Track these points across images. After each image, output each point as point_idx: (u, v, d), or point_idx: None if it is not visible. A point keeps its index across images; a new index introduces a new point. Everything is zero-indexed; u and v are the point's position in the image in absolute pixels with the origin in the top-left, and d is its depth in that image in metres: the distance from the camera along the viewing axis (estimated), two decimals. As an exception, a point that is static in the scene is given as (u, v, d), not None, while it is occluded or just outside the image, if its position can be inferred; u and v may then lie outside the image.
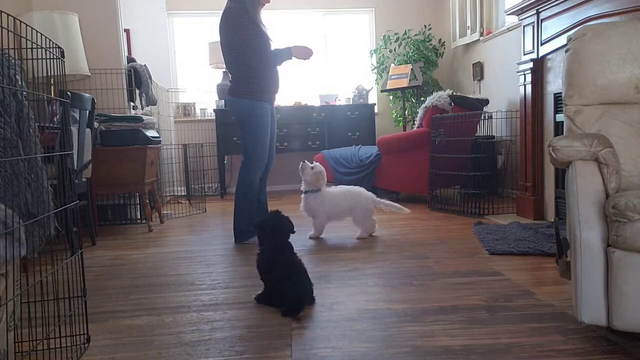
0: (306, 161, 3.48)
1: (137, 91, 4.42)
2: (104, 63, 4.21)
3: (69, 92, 2.70)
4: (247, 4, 3.23)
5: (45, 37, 1.66)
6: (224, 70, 5.86)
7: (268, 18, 6.33)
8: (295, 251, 2.23)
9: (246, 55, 3.20)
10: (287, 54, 3.29)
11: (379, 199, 3.43)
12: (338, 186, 3.54)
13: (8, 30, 1.45)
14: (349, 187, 3.49)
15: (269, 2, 3.33)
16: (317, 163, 3.50)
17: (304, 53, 3.31)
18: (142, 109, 4.57)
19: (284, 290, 2.06)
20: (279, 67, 3.39)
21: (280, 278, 2.10)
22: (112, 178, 3.82)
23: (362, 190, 3.44)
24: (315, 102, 6.24)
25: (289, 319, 1.97)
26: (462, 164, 4.25)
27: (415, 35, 6.28)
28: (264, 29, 3.32)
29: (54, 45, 1.73)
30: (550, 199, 3.73)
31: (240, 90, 3.28)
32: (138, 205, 4.32)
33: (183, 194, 5.66)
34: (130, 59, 4.56)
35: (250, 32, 3.19)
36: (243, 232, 3.33)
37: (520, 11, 3.80)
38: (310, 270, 2.27)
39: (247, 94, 3.26)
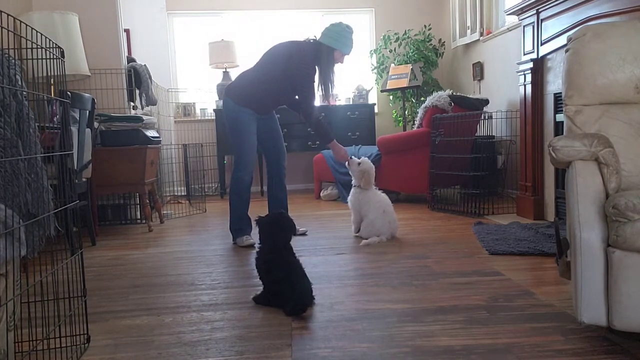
0: (353, 157, 3.44)
1: (137, 91, 4.42)
2: (104, 63, 4.21)
3: (69, 92, 2.70)
4: (322, 58, 3.31)
5: (45, 37, 1.66)
6: (224, 70, 5.86)
7: (267, 18, 6.36)
8: (294, 251, 2.23)
9: (304, 100, 3.34)
10: (327, 140, 3.46)
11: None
12: (385, 197, 3.38)
13: (8, 30, 1.45)
14: (389, 206, 3.35)
15: (342, 62, 3.41)
16: (365, 159, 3.43)
17: (340, 156, 3.48)
18: (142, 109, 4.57)
19: (283, 290, 2.07)
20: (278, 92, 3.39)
21: (278, 279, 2.10)
22: (112, 178, 3.82)
23: (395, 217, 3.35)
24: (315, 102, 6.23)
25: (289, 319, 1.97)
26: (462, 164, 4.25)
27: (415, 35, 6.28)
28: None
29: (54, 45, 1.73)
30: (550, 199, 3.73)
31: (231, 92, 3.32)
32: (138, 205, 4.32)
33: (183, 194, 5.66)
34: (130, 59, 4.56)
35: (312, 84, 3.33)
36: (235, 231, 3.35)
37: (520, 11, 3.80)
38: (310, 270, 2.27)
39: (235, 97, 3.30)
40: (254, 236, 2.90)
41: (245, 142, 3.31)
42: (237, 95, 3.30)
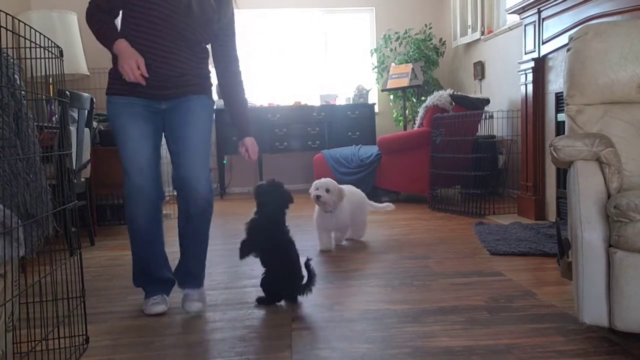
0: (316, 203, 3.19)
1: (137, 91, 4.41)
2: (103, 62, 4.17)
3: (67, 92, 2.69)
4: None
5: (44, 36, 1.66)
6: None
7: (267, 16, 6.35)
8: (295, 251, 2.22)
9: None
10: (110, 45, 1.96)
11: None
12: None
13: (6, 30, 1.44)
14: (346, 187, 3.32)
15: None
16: (315, 193, 3.17)
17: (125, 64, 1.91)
18: (142, 108, 4.56)
19: (273, 265, 2.13)
20: (164, 50, 2.03)
21: (271, 265, 2.14)
22: (111, 178, 3.81)
23: (354, 189, 3.33)
24: (315, 102, 6.23)
25: (289, 319, 1.97)
26: (463, 163, 4.24)
27: (416, 34, 6.26)
28: None
29: (53, 45, 1.73)
30: (552, 199, 3.72)
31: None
32: (138, 205, 4.31)
33: (183, 193, 5.64)
34: (130, 59, 4.54)
35: None
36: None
37: (521, 10, 3.79)
38: (310, 270, 2.26)
39: (108, 89, 2.12)
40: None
41: (121, 154, 2.31)
42: (108, 82, 2.14)
